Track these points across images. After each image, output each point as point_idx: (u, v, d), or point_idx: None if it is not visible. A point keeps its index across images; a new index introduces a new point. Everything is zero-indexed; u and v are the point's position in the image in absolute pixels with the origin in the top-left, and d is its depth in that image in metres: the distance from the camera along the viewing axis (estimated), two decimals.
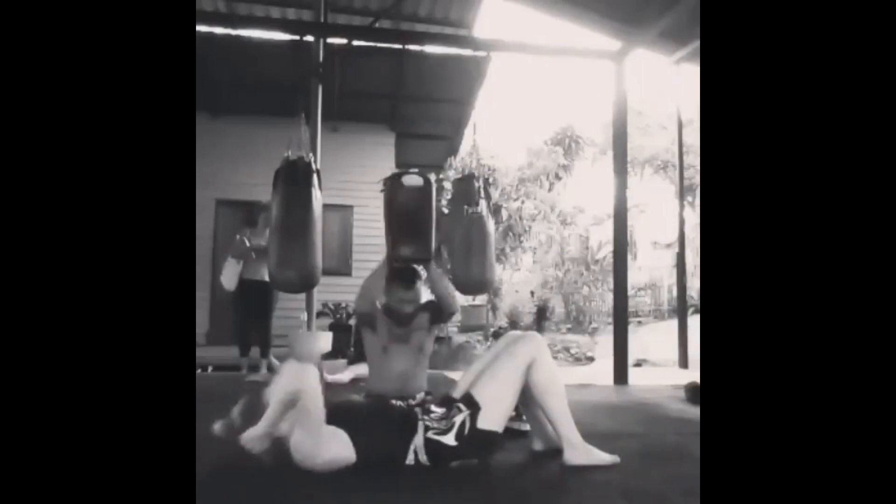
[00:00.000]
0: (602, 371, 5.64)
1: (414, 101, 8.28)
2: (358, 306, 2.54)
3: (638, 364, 7.21)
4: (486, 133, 23.56)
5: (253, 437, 1.82)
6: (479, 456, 1.92)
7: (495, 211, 7.28)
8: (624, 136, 4.83)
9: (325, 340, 6.02)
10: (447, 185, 7.40)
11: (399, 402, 2.29)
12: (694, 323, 5.62)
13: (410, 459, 1.85)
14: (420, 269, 2.60)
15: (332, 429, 1.85)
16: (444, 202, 7.27)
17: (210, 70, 6.69)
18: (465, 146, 9.66)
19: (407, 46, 6.74)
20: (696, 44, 5.60)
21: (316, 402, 1.82)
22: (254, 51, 6.94)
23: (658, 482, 1.83)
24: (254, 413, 1.87)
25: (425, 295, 2.56)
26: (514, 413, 2.33)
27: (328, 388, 1.90)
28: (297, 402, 1.80)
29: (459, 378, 2.17)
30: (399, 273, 2.50)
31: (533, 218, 10.74)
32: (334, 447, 1.81)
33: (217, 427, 1.97)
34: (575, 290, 12.64)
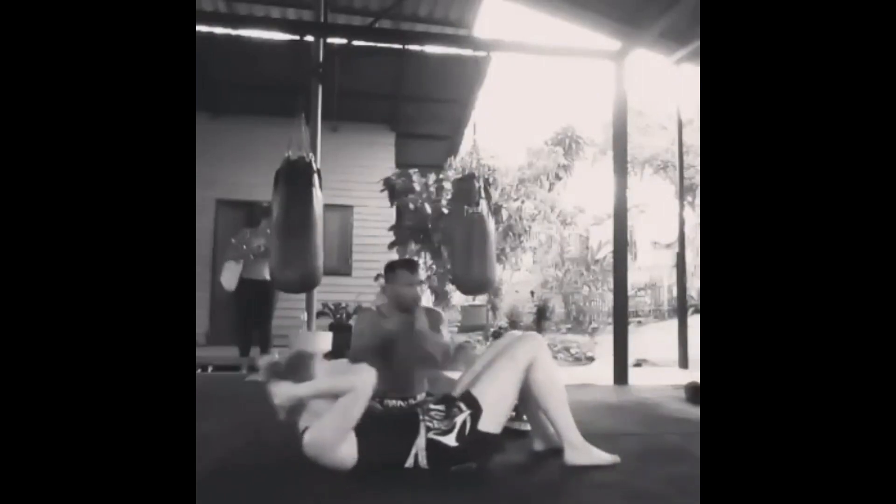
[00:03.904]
0: (602, 371, 5.64)
1: (414, 101, 8.27)
2: (356, 344, 2.55)
3: (638, 364, 7.20)
4: (486, 133, 23.59)
5: (287, 393, 1.82)
6: (479, 458, 1.92)
7: (495, 211, 7.26)
8: (624, 136, 4.83)
9: (325, 340, 6.02)
10: (447, 185, 7.39)
11: (400, 403, 2.29)
12: (694, 323, 5.61)
13: (410, 462, 1.84)
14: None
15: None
16: (444, 202, 7.26)
17: (210, 70, 6.69)
18: (465, 146, 9.65)
19: (407, 46, 6.73)
20: (696, 44, 5.60)
21: (361, 407, 1.82)
22: (254, 51, 6.94)
23: (658, 482, 1.83)
24: (298, 372, 1.86)
25: (427, 299, 2.59)
26: (513, 413, 2.33)
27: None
28: (346, 395, 1.81)
29: (458, 377, 2.17)
30: (403, 261, 2.62)
31: (533, 218, 10.73)
32: (346, 448, 1.81)
33: (263, 362, 1.95)
34: (575, 290, 12.63)
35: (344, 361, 1.99)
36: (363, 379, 1.83)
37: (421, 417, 1.90)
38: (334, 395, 1.81)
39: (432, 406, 1.95)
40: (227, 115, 8.08)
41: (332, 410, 1.80)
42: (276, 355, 2.00)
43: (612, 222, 4.88)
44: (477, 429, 1.86)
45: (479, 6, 7.23)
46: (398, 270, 2.67)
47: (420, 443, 1.84)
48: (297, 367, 1.87)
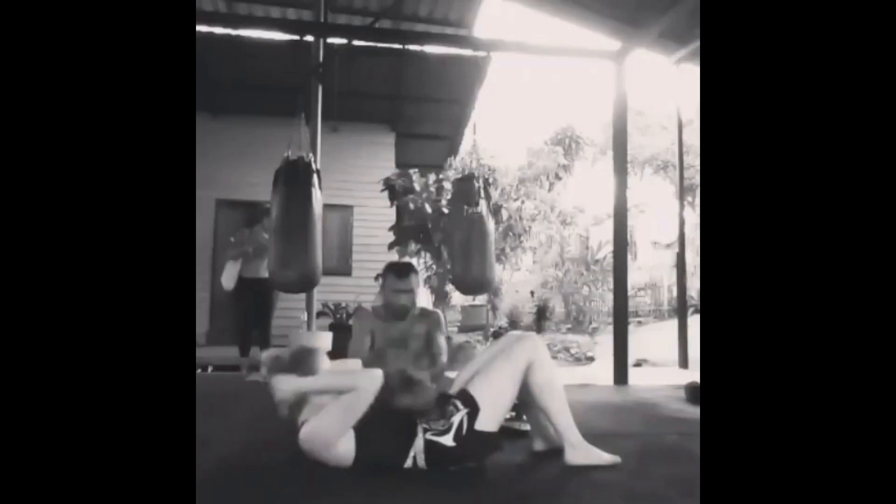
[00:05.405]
0: (602, 371, 5.64)
1: (414, 101, 8.28)
2: (353, 346, 2.56)
3: (638, 364, 7.20)
4: (486, 133, 23.59)
5: (291, 387, 1.83)
6: (477, 458, 1.92)
7: (495, 211, 7.25)
8: (624, 136, 4.82)
9: (325, 340, 6.02)
10: (447, 185, 7.39)
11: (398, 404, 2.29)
12: (694, 323, 5.61)
13: (409, 464, 1.84)
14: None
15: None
16: (444, 202, 7.26)
17: (210, 70, 6.69)
18: (465, 146, 9.66)
19: (407, 46, 6.73)
20: (696, 44, 5.60)
21: (364, 406, 1.83)
22: (254, 51, 6.94)
23: (658, 482, 1.83)
24: (301, 366, 1.86)
25: (423, 300, 2.59)
26: (514, 413, 2.33)
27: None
28: (350, 393, 1.81)
29: (455, 376, 2.17)
30: (394, 266, 2.58)
31: (533, 218, 10.74)
32: (344, 446, 1.82)
33: (266, 356, 1.95)
34: (575, 290, 12.62)
35: (352, 361, 1.99)
36: (369, 379, 1.84)
37: (418, 420, 1.90)
38: (338, 393, 1.82)
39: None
40: (227, 115, 8.08)
41: (333, 406, 1.80)
42: (278, 350, 2.00)
43: (612, 222, 4.87)
44: (474, 428, 1.86)
45: (479, 6, 7.23)
46: (387, 275, 2.63)
47: (419, 444, 1.84)
48: (301, 362, 1.88)
